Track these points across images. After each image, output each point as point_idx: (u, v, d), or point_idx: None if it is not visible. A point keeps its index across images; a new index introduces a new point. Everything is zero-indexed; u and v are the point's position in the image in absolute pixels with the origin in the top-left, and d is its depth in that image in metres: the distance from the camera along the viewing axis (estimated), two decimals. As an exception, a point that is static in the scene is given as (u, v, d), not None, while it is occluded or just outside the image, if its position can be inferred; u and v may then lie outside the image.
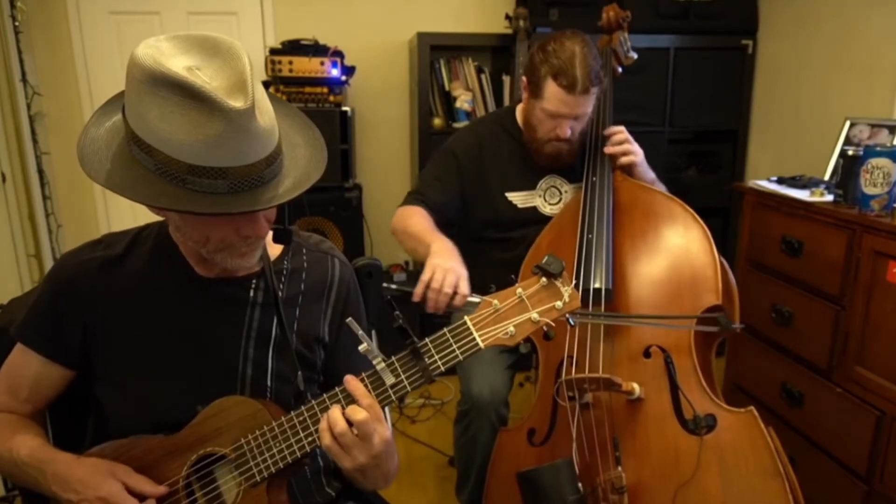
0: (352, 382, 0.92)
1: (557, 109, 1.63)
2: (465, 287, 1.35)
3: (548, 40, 1.64)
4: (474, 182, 1.81)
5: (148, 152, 0.82)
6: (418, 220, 1.70)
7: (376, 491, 1.24)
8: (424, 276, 1.37)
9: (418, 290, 1.36)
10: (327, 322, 1.12)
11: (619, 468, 1.30)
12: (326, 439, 0.90)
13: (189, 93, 0.78)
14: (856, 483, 1.79)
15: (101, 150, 0.86)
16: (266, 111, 0.85)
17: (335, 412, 0.90)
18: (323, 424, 0.90)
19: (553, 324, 0.89)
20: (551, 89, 1.61)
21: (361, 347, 0.89)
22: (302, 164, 0.92)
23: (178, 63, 0.80)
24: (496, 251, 1.82)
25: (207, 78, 0.80)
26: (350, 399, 0.91)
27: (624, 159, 1.72)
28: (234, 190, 0.83)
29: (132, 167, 0.84)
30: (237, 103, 0.79)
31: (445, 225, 1.80)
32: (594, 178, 1.69)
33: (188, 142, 0.79)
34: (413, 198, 1.81)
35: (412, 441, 2.60)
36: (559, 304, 0.89)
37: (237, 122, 0.79)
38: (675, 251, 1.52)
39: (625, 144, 1.72)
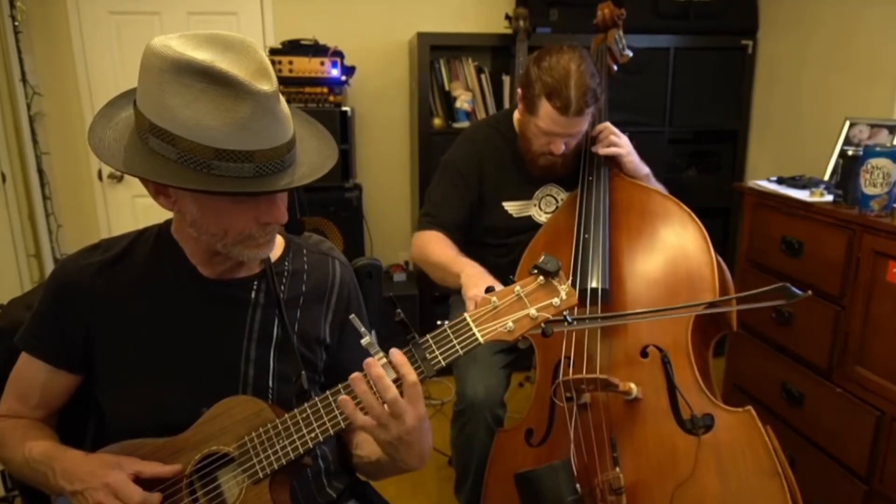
0: (397, 356, 0.88)
1: (550, 129, 1.61)
2: None
3: (544, 53, 1.61)
4: (475, 190, 1.80)
5: (171, 142, 0.82)
6: (439, 248, 1.67)
7: (380, 493, 1.25)
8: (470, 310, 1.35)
9: None
10: (328, 324, 1.12)
11: (617, 469, 1.29)
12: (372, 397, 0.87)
13: (216, 79, 0.80)
14: (856, 483, 1.78)
15: (112, 146, 0.87)
16: (282, 99, 0.88)
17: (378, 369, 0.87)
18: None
19: (550, 317, 0.90)
20: (545, 109, 1.59)
21: (363, 341, 0.90)
22: (313, 153, 0.96)
23: (195, 55, 0.82)
24: (492, 256, 1.81)
25: (226, 67, 0.82)
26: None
27: (610, 150, 1.70)
28: (259, 174, 0.85)
29: (149, 159, 0.85)
30: (264, 86, 0.82)
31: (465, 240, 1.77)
32: (590, 178, 1.68)
33: (216, 126, 0.81)
34: (426, 221, 1.77)
35: (412, 441, 2.59)
36: (556, 300, 0.90)
37: (265, 104, 0.82)
38: (672, 250, 1.52)
39: (610, 136, 1.71)
